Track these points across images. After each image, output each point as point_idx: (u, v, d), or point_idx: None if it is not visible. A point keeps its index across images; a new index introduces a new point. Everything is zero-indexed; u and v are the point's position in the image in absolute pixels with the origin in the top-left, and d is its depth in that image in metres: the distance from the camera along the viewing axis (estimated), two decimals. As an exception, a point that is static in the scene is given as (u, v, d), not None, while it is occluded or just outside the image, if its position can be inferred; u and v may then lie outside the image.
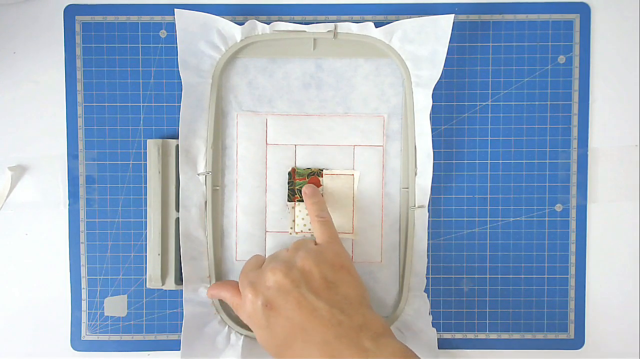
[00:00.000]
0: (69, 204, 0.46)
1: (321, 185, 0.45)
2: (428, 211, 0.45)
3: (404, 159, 0.45)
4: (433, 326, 0.44)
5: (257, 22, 0.43)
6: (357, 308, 0.37)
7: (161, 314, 0.46)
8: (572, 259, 0.46)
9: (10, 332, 0.46)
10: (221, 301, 0.45)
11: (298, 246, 0.41)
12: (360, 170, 0.45)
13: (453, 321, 0.46)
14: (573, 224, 0.46)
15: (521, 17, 0.45)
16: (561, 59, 0.45)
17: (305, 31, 0.43)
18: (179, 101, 0.44)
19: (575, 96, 0.45)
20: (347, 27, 0.44)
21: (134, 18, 0.45)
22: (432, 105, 0.43)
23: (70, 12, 0.45)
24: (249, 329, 0.44)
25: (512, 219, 0.46)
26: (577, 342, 0.46)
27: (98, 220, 0.46)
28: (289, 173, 0.45)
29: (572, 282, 0.46)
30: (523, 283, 0.46)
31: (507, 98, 0.45)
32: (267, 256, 0.42)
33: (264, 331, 0.38)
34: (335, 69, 0.45)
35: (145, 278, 0.45)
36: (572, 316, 0.46)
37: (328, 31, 0.43)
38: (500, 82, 0.45)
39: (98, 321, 0.46)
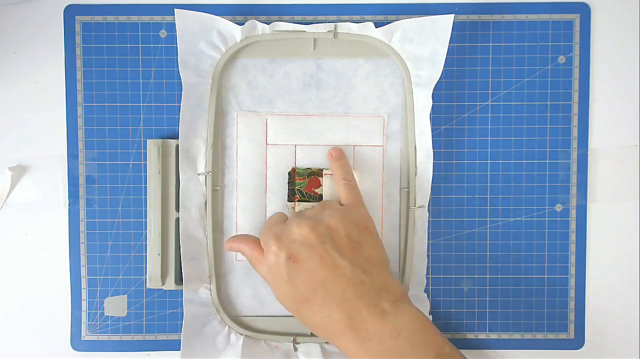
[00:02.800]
0: (69, 204, 0.46)
1: (321, 185, 0.45)
2: (428, 211, 0.45)
3: (404, 159, 0.45)
4: (433, 326, 0.45)
5: (257, 22, 0.43)
6: (378, 271, 0.38)
7: (161, 314, 0.46)
8: (572, 259, 0.46)
9: (10, 332, 0.46)
10: (221, 301, 0.45)
11: (324, 205, 0.41)
12: (360, 170, 0.45)
13: (453, 321, 0.46)
14: (573, 224, 0.46)
15: (521, 17, 0.45)
16: (561, 59, 0.45)
17: (305, 31, 0.43)
18: (179, 101, 0.44)
19: (575, 96, 0.45)
20: (347, 27, 0.44)
21: (134, 18, 0.45)
22: (432, 105, 0.43)
23: (70, 12, 0.45)
24: (250, 330, 0.44)
25: (512, 219, 0.46)
26: (577, 342, 0.46)
27: (98, 220, 0.46)
28: (289, 173, 0.45)
29: (572, 282, 0.46)
30: (523, 283, 0.46)
31: (507, 98, 0.45)
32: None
33: (284, 285, 0.37)
34: (335, 69, 0.45)
35: (145, 278, 0.45)
36: (572, 316, 0.46)
37: (328, 31, 0.43)
38: (500, 82, 0.45)
39: (98, 321, 0.46)
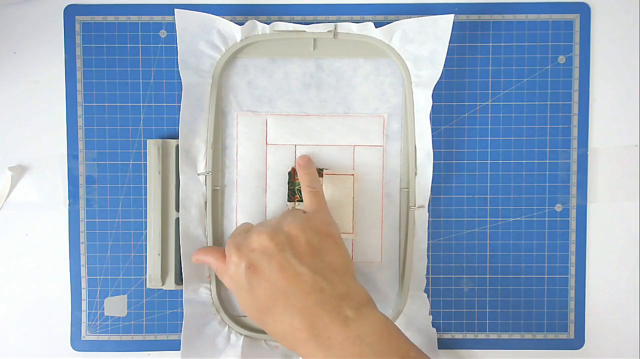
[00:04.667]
0: (69, 204, 0.46)
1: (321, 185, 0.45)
2: (428, 211, 0.45)
3: (404, 159, 0.45)
4: (433, 326, 0.45)
5: (257, 22, 0.43)
6: (341, 277, 0.37)
7: (161, 314, 0.46)
8: (572, 259, 0.46)
9: (10, 332, 0.46)
10: (221, 301, 0.45)
11: (286, 213, 0.41)
12: (360, 170, 0.45)
13: (453, 321, 0.46)
14: (573, 224, 0.46)
15: (521, 17, 0.45)
16: (561, 59, 0.45)
17: (305, 31, 0.43)
18: (179, 101, 0.44)
19: (575, 96, 0.45)
20: (347, 27, 0.44)
21: (134, 18, 0.45)
22: (432, 105, 0.43)
23: (70, 12, 0.45)
24: (250, 330, 0.44)
25: (512, 219, 0.46)
26: (577, 342, 0.46)
27: (98, 220, 0.46)
28: (289, 173, 0.45)
29: (572, 282, 0.46)
30: (523, 283, 0.46)
31: (507, 98, 0.45)
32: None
33: (245, 294, 0.37)
34: (335, 69, 0.45)
35: (145, 278, 0.45)
36: (572, 316, 0.46)
37: (328, 31, 0.43)
38: (500, 82, 0.45)
39: (98, 321, 0.46)
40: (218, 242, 0.45)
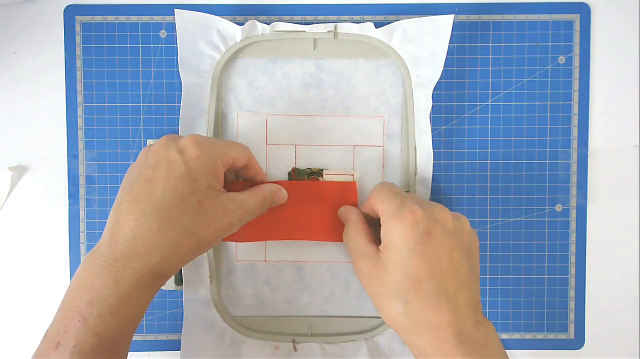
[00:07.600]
0: (69, 204, 0.46)
1: (321, 185, 0.45)
2: (428, 211, 0.45)
3: (404, 159, 0.45)
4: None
5: (257, 22, 0.43)
6: (478, 284, 0.38)
7: (161, 314, 0.46)
8: (572, 259, 0.46)
9: (10, 333, 0.46)
10: (221, 301, 0.45)
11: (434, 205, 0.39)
12: (360, 170, 0.45)
13: (453, 321, 0.46)
14: (573, 224, 0.46)
15: (521, 17, 0.45)
16: (561, 59, 0.45)
17: (305, 31, 0.43)
18: (179, 101, 0.44)
19: (575, 96, 0.45)
20: (347, 27, 0.44)
21: (134, 18, 0.45)
22: (432, 105, 0.43)
23: (70, 12, 0.45)
24: (250, 330, 0.44)
25: (512, 219, 0.46)
26: (577, 342, 0.46)
27: (98, 220, 0.46)
28: (289, 173, 0.45)
29: (572, 282, 0.46)
30: (523, 283, 0.46)
31: (507, 98, 0.45)
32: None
33: (407, 253, 0.36)
34: (335, 69, 0.45)
35: (145, 278, 0.45)
36: (572, 316, 0.46)
37: (328, 31, 0.43)
38: (500, 82, 0.45)
39: (98, 321, 0.46)
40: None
